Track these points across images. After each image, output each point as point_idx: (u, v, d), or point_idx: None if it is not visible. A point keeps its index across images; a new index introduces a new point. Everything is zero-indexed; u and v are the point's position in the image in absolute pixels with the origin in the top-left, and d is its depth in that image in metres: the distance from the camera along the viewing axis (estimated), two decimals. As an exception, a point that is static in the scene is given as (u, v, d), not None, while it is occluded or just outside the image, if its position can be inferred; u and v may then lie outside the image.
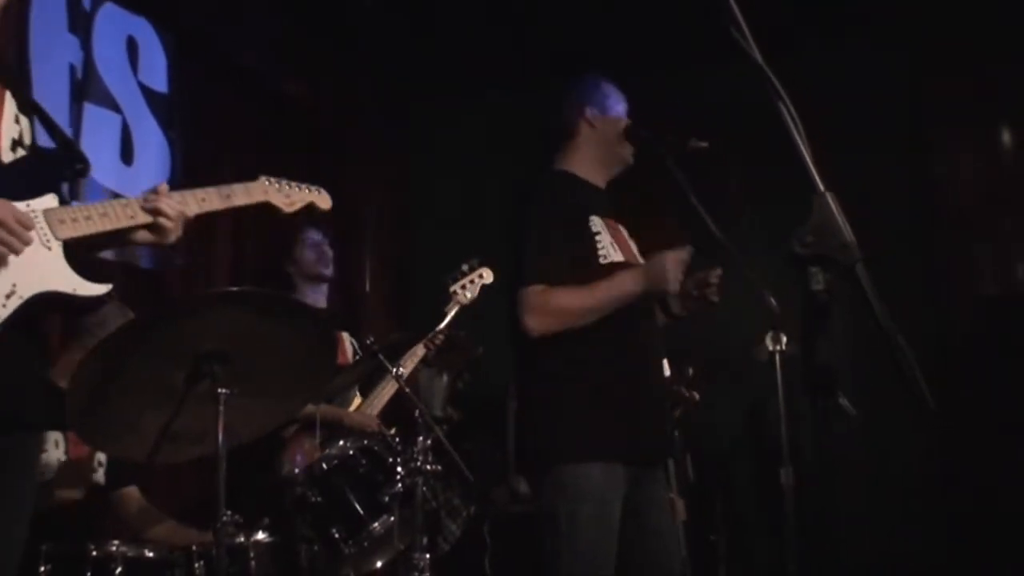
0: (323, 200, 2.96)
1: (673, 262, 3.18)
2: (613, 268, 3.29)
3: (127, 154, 4.81)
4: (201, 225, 2.65)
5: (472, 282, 4.76)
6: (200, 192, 2.59)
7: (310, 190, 2.93)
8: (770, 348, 3.45)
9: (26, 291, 2.21)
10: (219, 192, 2.63)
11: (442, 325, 4.63)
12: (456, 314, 4.71)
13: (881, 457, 5.45)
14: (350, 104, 6.82)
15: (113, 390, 2.72)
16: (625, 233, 3.49)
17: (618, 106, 3.54)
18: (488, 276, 4.77)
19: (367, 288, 6.84)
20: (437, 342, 4.60)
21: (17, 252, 2.19)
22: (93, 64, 4.65)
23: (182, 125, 5.16)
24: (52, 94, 4.25)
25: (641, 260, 3.46)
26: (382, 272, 6.98)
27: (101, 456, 3.73)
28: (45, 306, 2.28)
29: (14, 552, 2.37)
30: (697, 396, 5.00)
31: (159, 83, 5.08)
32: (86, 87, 4.59)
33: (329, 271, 4.96)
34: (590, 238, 3.31)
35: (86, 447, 3.65)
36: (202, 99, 5.39)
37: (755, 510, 5.84)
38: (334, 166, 6.35)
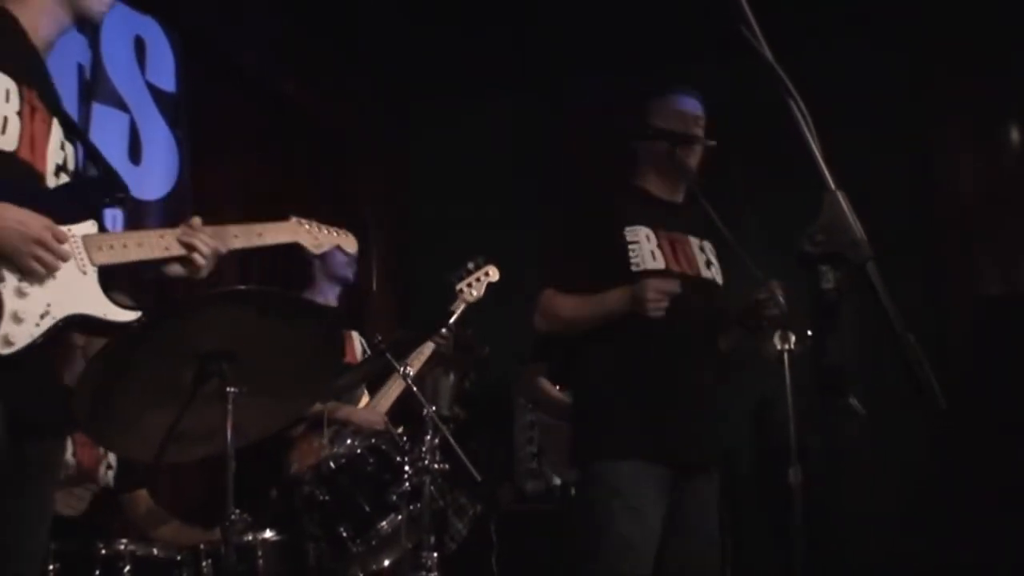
0: (349, 243, 3.08)
1: (654, 291, 3.29)
2: (646, 275, 3.39)
3: (135, 153, 4.82)
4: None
5: (478, 280, 4.75)
6: (233, 228, 2.68)
7: (338, 233, 3.03)
8: (778, 347, 3.45)
9: (59, 312, 2.29)
10: (251, 230, 2.73)
11: (450, 322, 4.62)
12: (462, 312, 4.71)
13: (887, 457, 5.43)
14: (351, 104, 6.82)
15: (121, 390, 2.72)
16: (696, 247, 3.58)
17: (664, 121, 3.59)
18: (494, 274, 4.76)
19: (373, 287, 6.84)
20: (445, 340, 4.59)
21: (53, 268, 2.27)
22: (101, 63, 4.66)
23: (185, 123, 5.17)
24: (61, 94, 4.25)
25: (705, 272, 3.57)
26: (386, 271, 6.98)
27: (111, 458, 3.74)
28: (76, 327, 2.39)
29: (40, 551, 2.47)
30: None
31: (167, 82, 5.08)
32: (94, 86, 4.59)
33: (353, 275, 4.97)
34: (621, 248, 3.43)
35: (94, 449, 3.66)
36: (203, 99, 5.39)
37: (761, 510, 5.83)
38: (335, 166, 6.36)
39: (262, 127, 5.94)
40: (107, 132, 4.63)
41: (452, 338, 4.65)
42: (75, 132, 2.56)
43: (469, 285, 4.74)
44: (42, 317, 2.26)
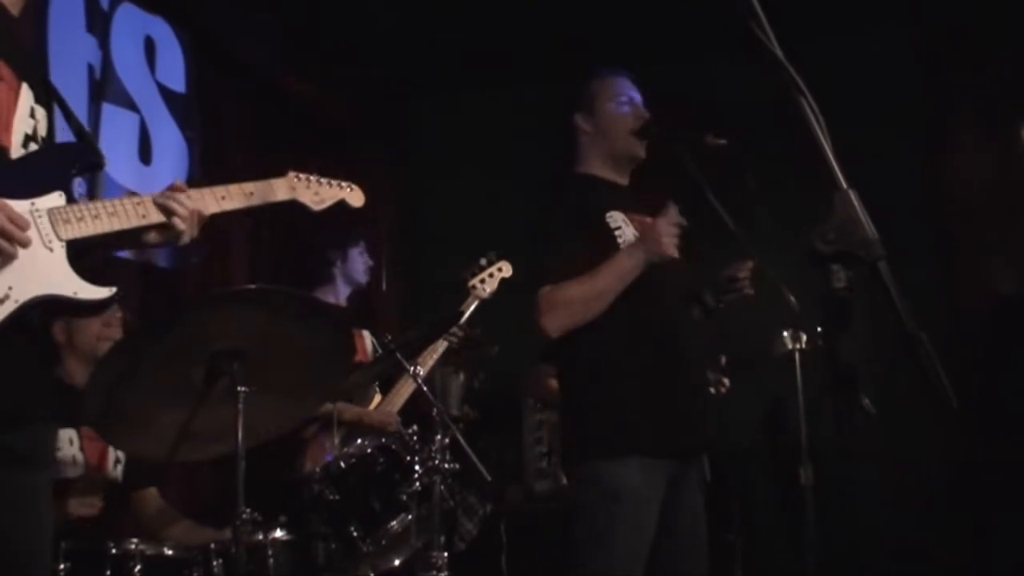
0: (355, 197, 2.79)
1: (663, 225, 3.19)
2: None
3: (145, 153, 4.83)
4: (217, 223, 2.51)
5: (491, 275, 4.72)
6: (220, 189, 2.44)
7: (341, 187, 2.76)
8: (789, 346, 3.45)
9: (22, 295, 2.09)
10: (242, 189, 2.48)
11: (463, 320, 4.60)
12: (475, 309, 4.69)
13: (899, 457, 5.42)
14: (359, 101, 6.82)
15: (132, 388, 2.73)
16: None
17: (611, 103, 3.49)
18: (507, 270, 4.74)
19: (383, 286, 6.84)
20: (458, 337, 4.57)
21: (11, 256, 2.07)
22: (111, 64, 4.67)
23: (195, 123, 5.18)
24: (70, 94, 4.24)
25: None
26: (394, 270, 6.98)
27: (119, 453, 3.74)
28: (44, 309, 2.19)
29: (45, 546, 2.31)
30: (728, 383, 4.96)
31: (177, 83, 5.09)
32: (104, 87, 4.60)
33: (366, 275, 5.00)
34: (608, 235, 3.31)
35: (101, 445, 3.66)
36: (210, 97, 5.39)
37: (772, 509, 5.82)
38: (345, 164, 6.35)
39: (270, 125, 5.94)
40: (117, 132, 4.64)
41: (464, 334, 4.63)
42: (48, 94, 2.33)
43: (482, 281, 4.72)
44: (2, 302, 2.06)
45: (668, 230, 3.19)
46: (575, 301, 3.21)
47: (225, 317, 2.77)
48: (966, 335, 5.87)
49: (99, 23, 4.60)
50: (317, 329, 2.88)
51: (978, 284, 6.06)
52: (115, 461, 3.74)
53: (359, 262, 4.95)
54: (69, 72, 4.32)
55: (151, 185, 4.59)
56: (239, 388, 2.76)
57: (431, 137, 7.16)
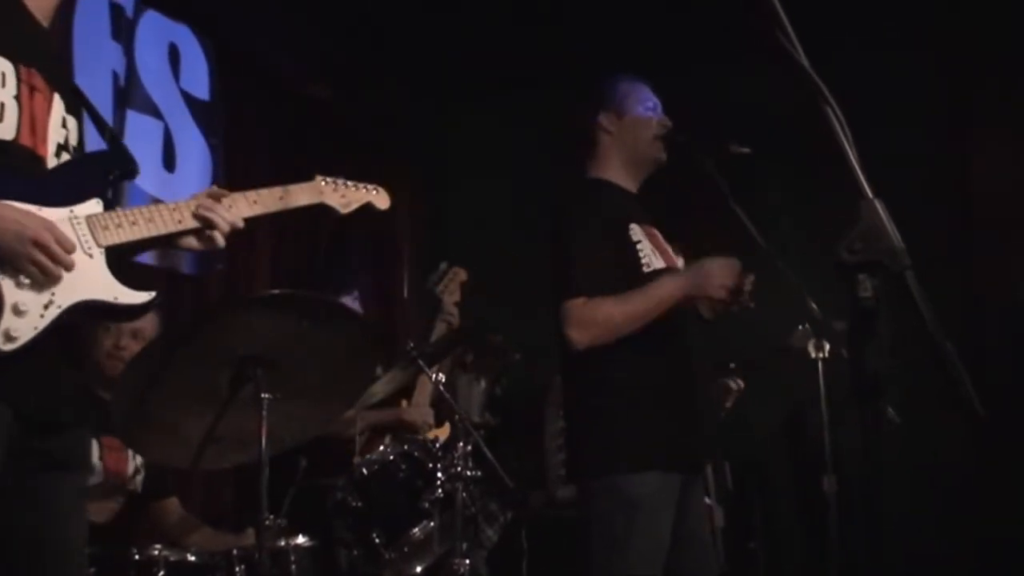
0: (381, 199, 2.83)
1: (722, 267, 3.16)
2: (656, 277, 3.27)
3: (169, 161, 4.85)
4: (242, 229, 2.52)
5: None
6: (252, 194, 2.50)
7: (367, 189, 2.80)
8: (812, 355, 3.44)
9: (64, 300, 2.15)
10: (272, 193, 2.54)
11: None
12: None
13: (925, 466, 5.38)
14: (383, 109, 6.83)
15: (156, 395, 2.74)
16: (661, 238, 3.47)
17: (639, 106, 3.46)
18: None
19: (404, 293, 6.85)
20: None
21: (53, 276, 2.13)
22: (135, 71, 4.69)
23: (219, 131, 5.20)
24: (95, 101, 4.27)
25: (678, 262, 3.45)
26: (416, 276, 6.98)
27: (139, 461, 3.76)
28: (85, 314, 2.24)
29: (82, 549, 2.37)
30: (743, 384, 4.95)
31: (201, 91, 5.12)
32: (129, 94, 4.63)
33: None
34: (632, 247, 3.29)
35: (122, 453, 3.68)
36: (235, 104, 5.42)
37: (795, 518, 5.79)
38: (371, 171, 6.35)
39: (294, 132, 5.96)
40: (142, 139, 4.66)
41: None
42: (79, 102, 2.41)
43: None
44: (46, 307, 2.13)
45: (725, 273, 3.16)
46: (613, 321, 3.17)
47: (249, 323, 2.78)
48: (992, 344, 5.83)
49: (124, 30, 4.63)
50: (341, 335, 2.88)
51: (1001, 293, 6.01)
52: (134, 471, 3.76)
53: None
54: (94, 79, 4.35)
55: (175, 192, 4.62)
56: (263, 395, 2.77)
57: (454, 142, 7.16)
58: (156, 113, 4.81)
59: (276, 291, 3.02)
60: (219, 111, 5.20)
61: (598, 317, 3.16)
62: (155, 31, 4.89)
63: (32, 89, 2.22)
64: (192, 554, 3.30)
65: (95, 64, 4.40)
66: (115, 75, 4.54)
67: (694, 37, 5.98)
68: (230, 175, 5.16)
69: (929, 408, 3.49)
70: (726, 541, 4.94)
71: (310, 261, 5.59)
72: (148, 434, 2.87)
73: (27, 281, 2.11)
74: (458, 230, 7.03)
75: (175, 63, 5.00)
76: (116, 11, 4.57)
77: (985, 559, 5.54)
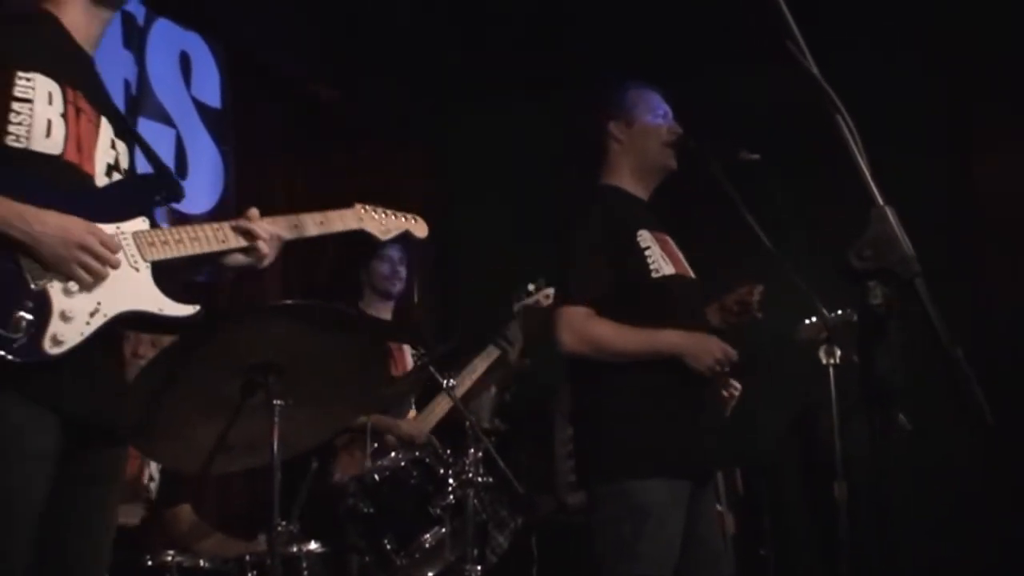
0: (419, 228, 2.91)
1: (723, 351, 3.21)
2: (665, 283, 3.31)
3: (181, 168, 4.87)
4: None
5: (537, 303, 4.72)
6: (294, 218, 2.58)
7: (406, 218, 2.88)
8: (824, 361, 3.44)
9: (111, 310, 2.23)
10: (313, 219, 2.62)
11: (515, 349, 4.60)
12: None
13: (934, 472, 5.37)
14: (392, 112, 6.83)
15: (168, 401, 2.75)
16: (673, 244, 3.48)
17: (649, 114, 3.48)
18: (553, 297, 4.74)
19: (415, 299, 6.84)
20: (508, 341, 4.58)
21: (102, 276, 2.20)
22: (147, 79, 4.72)
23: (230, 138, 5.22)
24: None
25: (690, 270, 3.45)
26: (427, 282, 6.97)
27: (153, 470, 3.77)
28: (130, 323, 2.33)
29: (106, 564, 2.44)
30: (739, 386, 4.93)
31: (212, 98, 5.14)
32: (140, 102, 4.65)
33: (396, 289, 4.94)
34: (640, 254, 3.31)
35: (135, 459, 3.69)
36: (245, 109, 5.43)
37: (806, 524, 5.78)
38: (382, 177, 6.36)
39: (305, 137, 5.97)
40: (154, 147, 4.65)
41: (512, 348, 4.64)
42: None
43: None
44: (92, 315, 2.20)
45: (721, 357, 3.20)
46: (605, 348, 3.24)
47: (262, 331, 2.79)
48: (1002, 351, 5.81)
49: (135, 39, 4.66)
50: (352, 342, 2.89)
51: (1013, 299, 6.00)
52: (149, 478, 3.77)
53: (384, 268, 4.93)
54: (107, 88, 4.37)
55: (187, 199, 4.63)
56: (274, 401, 2.78)
57: (464, 145, 7.14)
58: (168, 121, 4.84)
59: (288, 301, 3.04)
60: (230, 118, 5.22)
61: (592, 336, 3.22)
62: (166, 39, 4.91)
63: (79, 111, 2.31)
64: (205, 560, 3.31)
65: (107, 72, 4.36)
66: (127, 83, 4.57)
67: (696, 39, 5.98)
68: (241, 182, 5.18)
69: (939, 414, 3.48)
70: (737, 548, 4.93)
71: (317, 269, 5.58)
72: (159, 439, 2.87)
73: (75, 288, 2.19)
74: (469, 232, 6.97)
75: (186, 71, 5.03)
76: (127, 19, 4.60)
77: (995, 565, 5.53)
